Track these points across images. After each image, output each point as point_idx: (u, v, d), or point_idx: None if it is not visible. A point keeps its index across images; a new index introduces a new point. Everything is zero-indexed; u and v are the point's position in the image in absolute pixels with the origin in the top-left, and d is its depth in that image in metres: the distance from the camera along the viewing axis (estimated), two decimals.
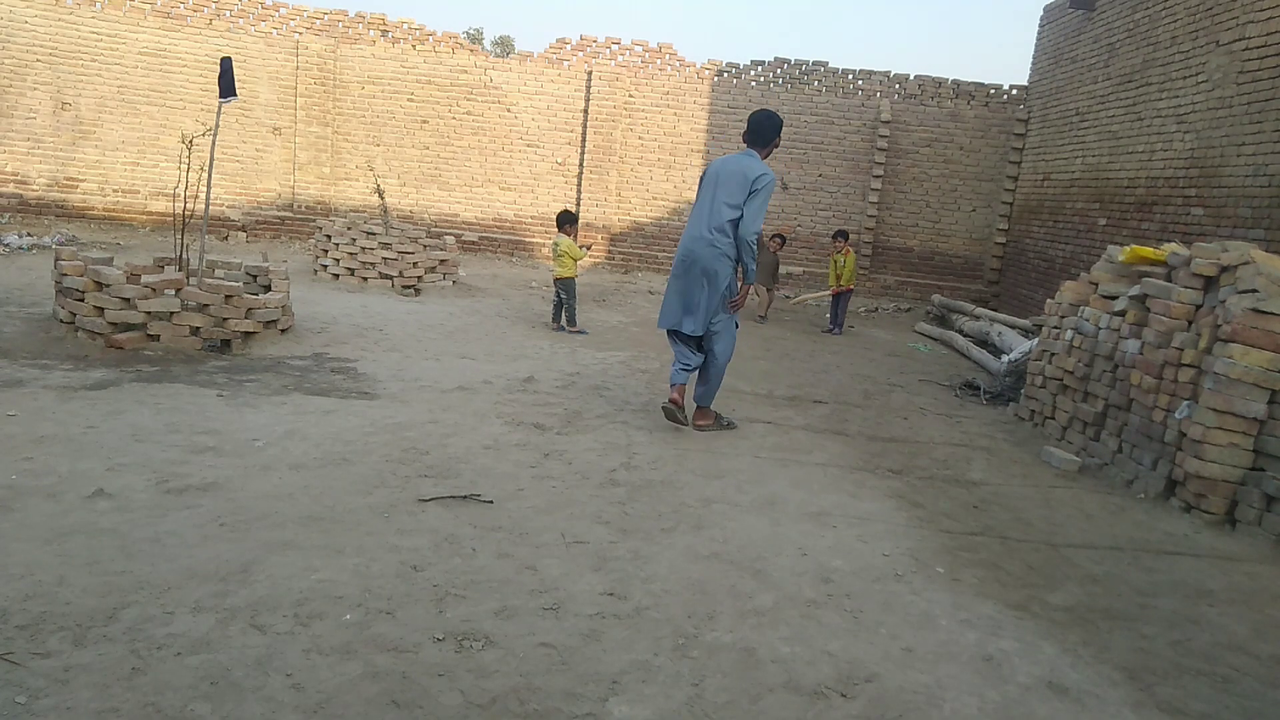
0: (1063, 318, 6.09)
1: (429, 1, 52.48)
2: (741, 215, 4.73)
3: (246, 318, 6.07)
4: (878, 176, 13.60)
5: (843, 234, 10.37)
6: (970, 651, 2.79)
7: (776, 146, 5.02)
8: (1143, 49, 9.62)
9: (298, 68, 13.72)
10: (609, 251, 14.18)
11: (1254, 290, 4.39)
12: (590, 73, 13.87)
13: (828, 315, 10.53)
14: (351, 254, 9.86)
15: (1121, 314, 5.38)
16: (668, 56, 14.07)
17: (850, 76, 13.78)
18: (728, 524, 3.68)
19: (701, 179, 4.95)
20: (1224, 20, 8.10)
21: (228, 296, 5.98)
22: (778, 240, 10.82)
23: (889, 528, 3.85)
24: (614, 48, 14.08)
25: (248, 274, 7.21)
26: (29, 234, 11.04)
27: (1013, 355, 7.56)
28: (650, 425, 5.15)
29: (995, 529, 3.99)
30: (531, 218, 14.38)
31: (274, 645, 2.40)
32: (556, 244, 8.39)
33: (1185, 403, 4.56)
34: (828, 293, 10.42)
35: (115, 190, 13.43)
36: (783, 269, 13.74)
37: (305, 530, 3.18)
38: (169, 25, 13.26)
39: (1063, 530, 4.08)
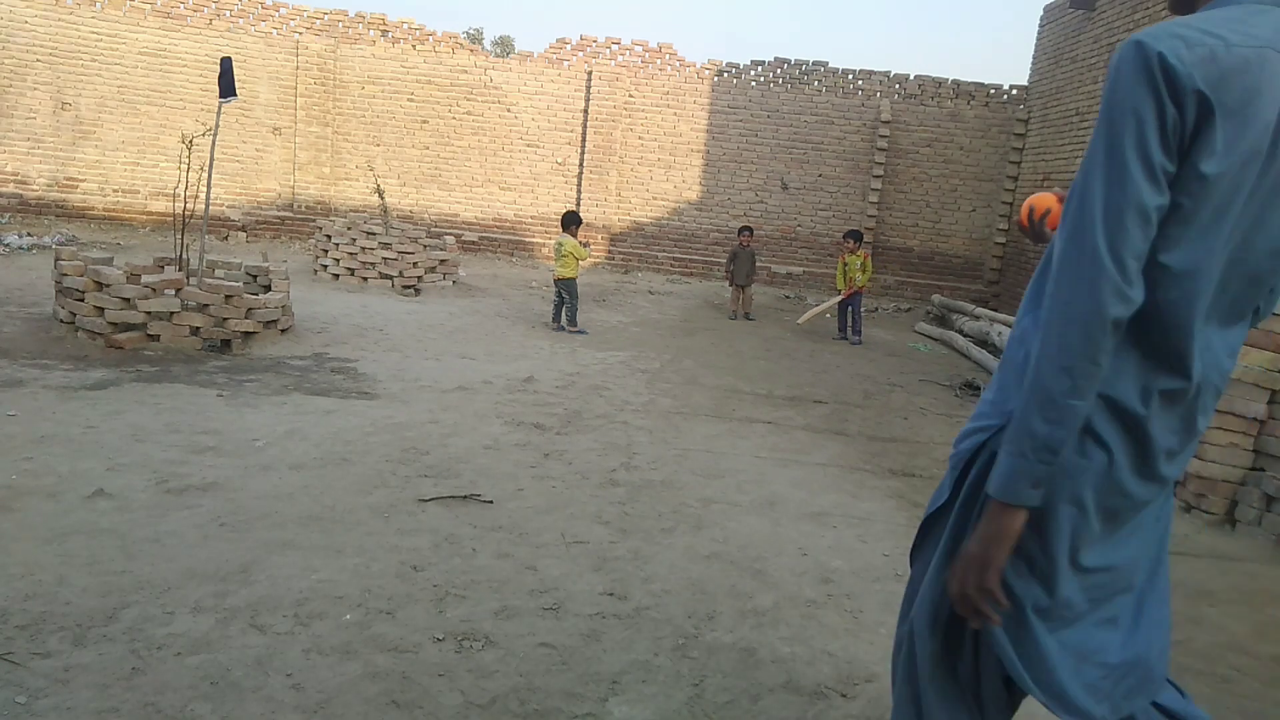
0: None
1: (429, 1, 52.51)
2: None
3: (246, 318, 6.07)
4: (878, 176, 13.60)
5: (855, 234, 9.83)
6: None
7: None
8: None
9: (298, 68, 13.72)
10: (609, 251, 14.18)
11: None
12: (590, 73, 13.87)
13: (837, 323, 9.73)
14: (351, 254, 9.86)
15: None
16: (668, 56, 14.07)
17: (850, 76, 13.78)
18: (728, 524, 3.68)
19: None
20: None
21: (228, 296, 5.98)
22: (747, 234, 10.40)
23: (889, 528, 3.85)
24: (614, 48, 14.08)
25: (248, 274, 7.21)
26: (29, 234, 11.04)
27: None
28: (650, 425, 5.15)
29: None
30: (531, 218, 14.38)
31: (274, 645, 2.40)
32: (560, 244, 8.39)
33: None
34: (837, 299, 9.74)
35: (115, 190, 13.43)
36: (782, 269, 13.75)
37: (305, 530, 3.18)
38: (169, 25, 13.27)
39: None
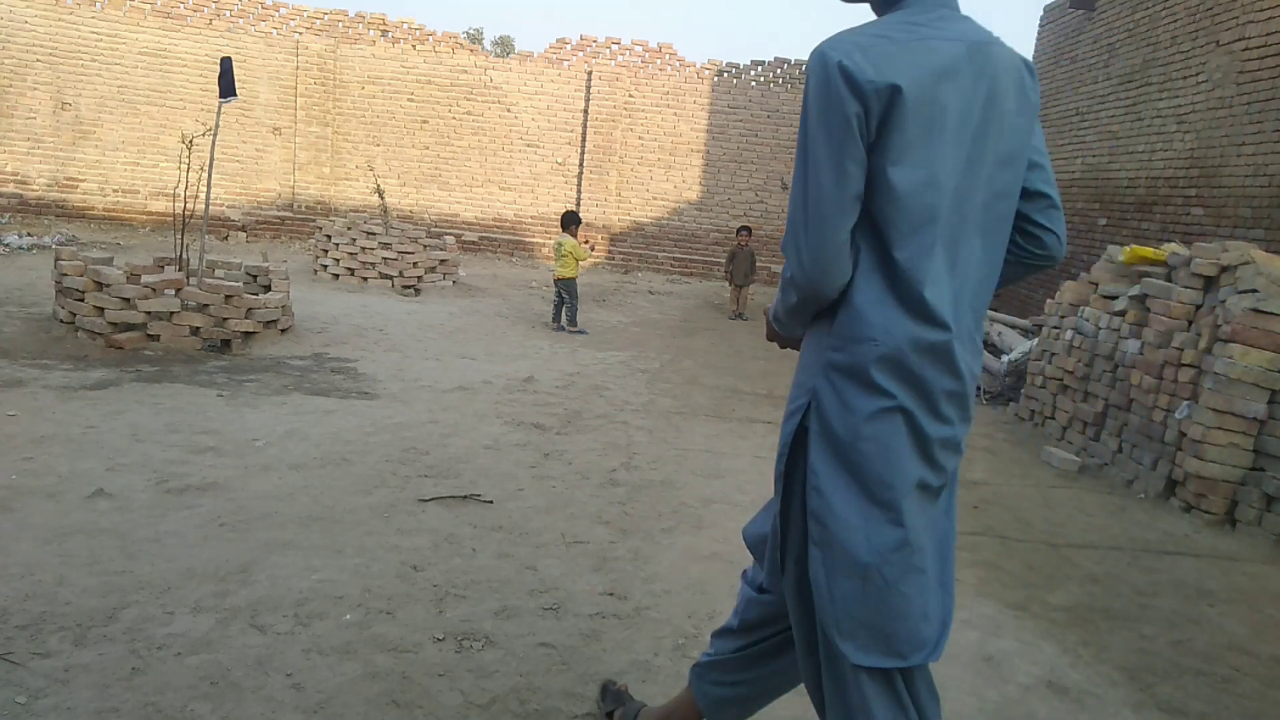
0: (1063, 318, 6.09)
1: (429, 1, 52.53)
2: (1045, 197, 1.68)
3: (246, 318, 6.07)
4: None
5: None
6: (970, 651, 2.79)
7: None
8: (1143, 49, 9.61)
9: (298, 68, 13.72)
10: (609, 251, 14.18)
11: (1254, 290, 4.39)
12: (590, 73, 13.87)
13: None
14: (351, 254, 9.86)
15: (1121, 314, 5.38)
16: (668, 56, 14.07)
17: None
18: (728, 524, 3.68)
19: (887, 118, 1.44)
20: (1224, 20, 8.10)
21: (228, 296, 5.98)
22: (745, 234, 10.40)
23: None
24: (614, 48, 14.08)
25: (248, 274, 7.21)
26: (29, 234, 11.04)
27: (1013, 355, 7.55)
28: (650, 425, 5.15)
29: (995, 529, 3.99)
30: (531, 218, 14.38)
31: (274, 645, 2.40)
32: (560, 244, 8.39)
33: (1185, 403, 4.56)
34: None
35: (115, 190, 13.43)
36: (784, 269, 13.75)
37: (305, 530, 3.18)
38: (169, 25, 13.26)
39: (1063, 530, 4.08)
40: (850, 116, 1.39)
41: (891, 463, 1.49)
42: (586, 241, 13.41)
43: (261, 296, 6.41)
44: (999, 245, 1.60)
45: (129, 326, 5.77)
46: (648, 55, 14.07)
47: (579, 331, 8.27)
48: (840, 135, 1.40)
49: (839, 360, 1.51)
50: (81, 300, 5.79)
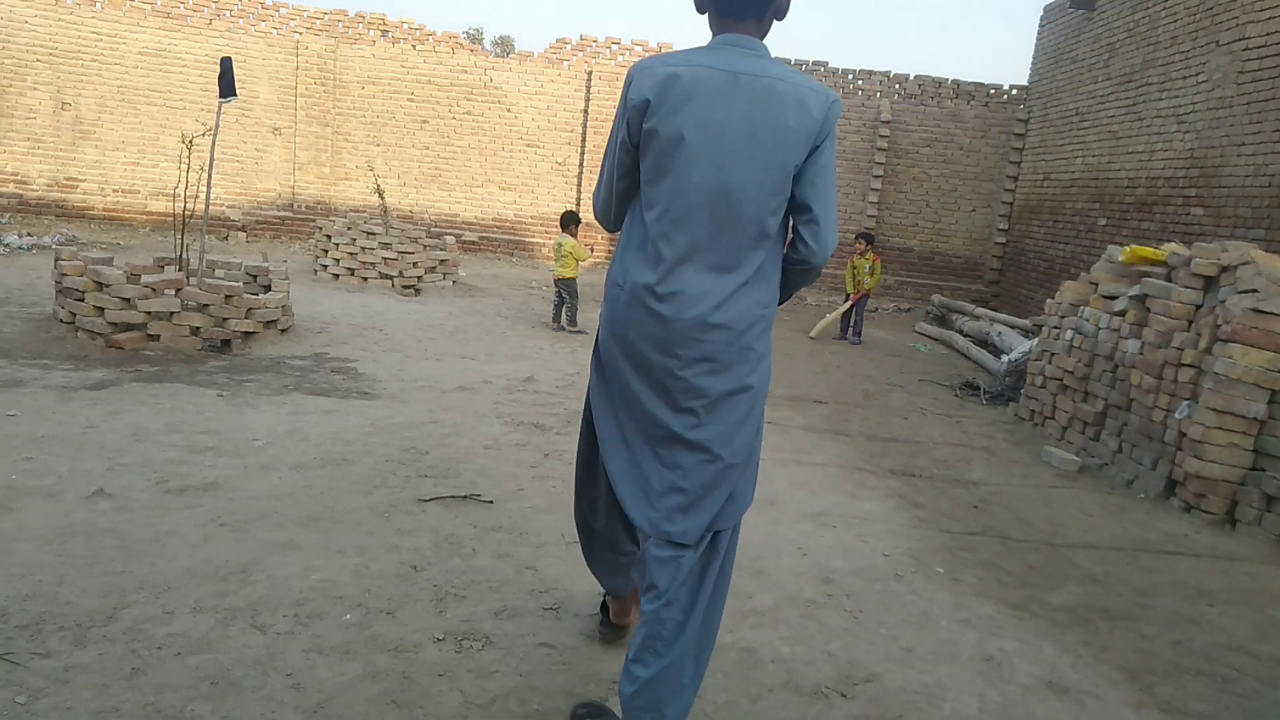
0: (1063, 318, 6.09)
1: (429, 1, 52.57)
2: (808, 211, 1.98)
3: (246, 318, 6.07)
4: (878, 176, 13.60)
5: (867, 236, 9.65)
6: (970, 651, 2.79)
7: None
8: (1143, 49, 9.62)
9: (298, 68, 13.72)
10: (609, 252, 14.17)
11: (1254, 290, 4.39)
12: (590, 73, 13.87)
13: (839, 323, 9.57)
14: (351, 254, 9.86)
15: (1121, 314, 5.38)
16: None
17: (850, 76, 13.78)
18: None
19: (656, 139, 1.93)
20: (1224, 20, 8.10)
21: (228, 296, 5.98)
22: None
23: (889, 528, 3.85)
24: (614, 48, 14.08)
25: (248, 274, 7.21)
26: (29, 234, 11.03)
27: (1013, 355, 7.56)
28: None
29: (995, 529, 3.99)
30: (531, 218, 14.38)
31: (274, 645, 2.40)
32: (560, 244, 8.39)
33: (1185, 403, 4.56)
34: (846, 305, 9.50)
35: (115, 190, 13.43)
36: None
37: (305, 530, 3.18)
38: (169, 25, 13.26)
39: (1063, 530, 4.08)
40: (629, 116, 1.94)
41: (621, 371, 2.04)
42: (587, 243, 13.40)
43: (261, 296, 6.41)
44: (744, 231, 1.94)
45: (129, 326, 5.77)
46: (648, 55, 14.07)
47: (579, 331, 8.27)
48: (623, 127, 1.97)
49: (605, 294, 2.11)
50: (81, 300, 5.79)
